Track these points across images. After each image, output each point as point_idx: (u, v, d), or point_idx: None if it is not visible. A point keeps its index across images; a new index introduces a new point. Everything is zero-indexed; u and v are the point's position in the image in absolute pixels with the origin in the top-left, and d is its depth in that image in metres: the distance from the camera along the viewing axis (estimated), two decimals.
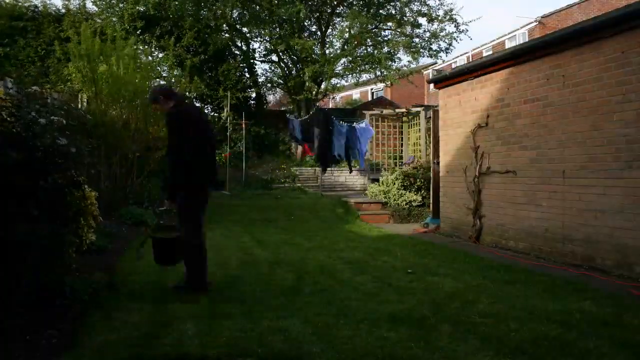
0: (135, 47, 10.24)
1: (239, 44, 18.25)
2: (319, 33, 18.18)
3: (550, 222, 6.43)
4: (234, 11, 16.63)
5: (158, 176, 11.32)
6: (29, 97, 3.90)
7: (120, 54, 9.07)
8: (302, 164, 16.62)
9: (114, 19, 14.80)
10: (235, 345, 3.26)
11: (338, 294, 4.54)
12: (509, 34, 27.20)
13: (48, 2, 15.20)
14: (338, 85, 17.79)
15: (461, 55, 29.73)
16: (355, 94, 34.71)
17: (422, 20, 17.38)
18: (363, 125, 12.84)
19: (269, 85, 19.74)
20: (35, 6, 15.07)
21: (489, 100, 7.61)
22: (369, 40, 16.90)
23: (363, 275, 5.36)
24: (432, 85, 14.13)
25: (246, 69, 18.12)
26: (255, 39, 18.52)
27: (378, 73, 17.53)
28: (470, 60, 24.47)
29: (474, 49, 28.90)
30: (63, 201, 3.95)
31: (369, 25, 16.60)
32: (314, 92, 17.18)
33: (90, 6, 15.53)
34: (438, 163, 9.28)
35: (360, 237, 8.27)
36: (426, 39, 16.94)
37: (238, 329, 3.54)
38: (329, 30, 18.32)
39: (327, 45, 17.29)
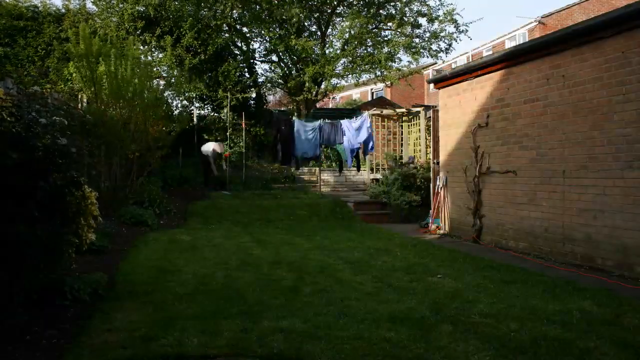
0: (135, 47, 10.22)
1: (239, 44, 18.23)
2: (319, 33, 18.15)
3: (550, 222, 6.43)
4: (234, 11, 16.60)
5: (158, 176, 11.34)
6: (29, 97, 3.90)
7: (119, 53, 9.07)
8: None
9: (114, 19, 14.78)
10: (235, 345, 3.26)
11: (338, 294, 4.54)
12: (509, 34, 27.18)
13: (48, 2, 15.18)
14: (338, 85, 17.76)
15: (461, 55, 29.71)
16: (355, 94, 34.68)
17: (422, 21, 17.37)
18: (350, 121, 12.71)
19: (269, 85, 19.71)
20: (35, 6, 15.06)
21: (489, 100, 7.61)
22: (369, 40, 16.87)
23: (363, 275, 5.36)
24: (432, 85, 14.12)
25: (246, 69, 18.09)
26: (255, 39, 18.51)
27: (378, 73, 17.51)
28: (471, 60, 24.46)
29: (474, 49, 28.88)
30: (63, 201, 3.95)
31: (369, 26, 16.58)
32: (313, 93, 17.16)
33: (90, 6, 15.53)
34: (438, 163, 9.28)
35: (360, 237, 8.26)
36: (426, 39, 16.91)
37: (238, 329, 3.54)
38: (329, 30, 18.30)
39: (327, 45, 17.27)
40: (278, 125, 13.17)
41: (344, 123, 12.63)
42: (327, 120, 13.03)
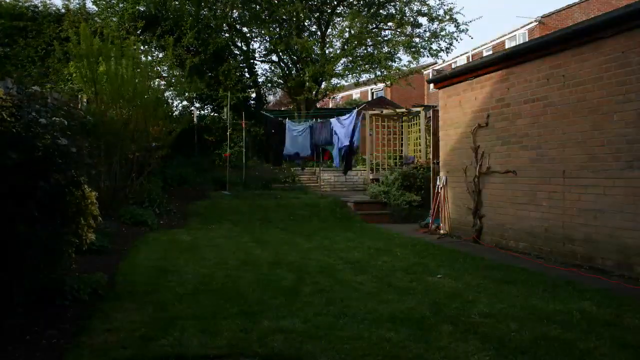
0: (135, 47, 10.21)
1: (239, 44, 18.24)
2: (319, 33, 18.16)
3: (550, 222, 6.42)
4: (234, 11, 16.62)
5: (158, 176, 11.33)
6: (29, 97, 3.89)
7: (119, 53, 9.07)
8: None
9: (114, 19, 14.78)
10: (235, 345, 3.26)
11: (338, 294, 4.54)
12: (509, 34, 27.17)
13: (48, 2, 15.18)
14: (338, 85, 17.78)
15: (461, 55, 29.70)
16: (356, 94, 34.70)
17: (423, 20, 17.37)
18: (340, 120, 12.63)
19: (269, 85, 19.74)
20: (35, 6, 15.05)
21: (489, 100, 7.60)
22: (369, 40, 16.88)
23: (363, 275, 5.36)
24: (432, 85, 14.12)
25: (246, 69, 18.10)
26: (255, 39, 18.53)
27: (378, 73, 17.52)
28: (471, 60, 24.46)
29: (474, 49, 28.87)
30: (63, 201, 3.94)
31: (369, 25, 16.58)
32: (314, 92, 17.17)
33: (90, 6, 15.53)
34: (438, 163, 9.28)
35: (360, 237, 8.26)
36: (426, 38, 16.92)
37: (238, 329, 3.54)
38: (329, 30, 18.31)
39: (327, 45, 17.27)
40: (270, 127, 13.35)
41: (334, 122, 12.64)
42: (318, 120, 13.09)
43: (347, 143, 12.24)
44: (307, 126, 12.96)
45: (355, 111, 12.53)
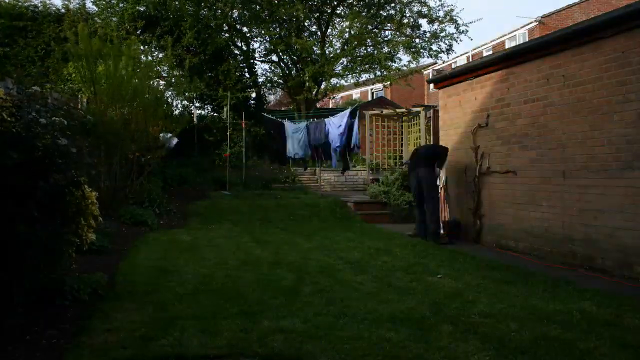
0: (135, 47, 10.21)
1: (239, 44, 18.25)
2: (319, 33, 18.16)
3: (550, 222, 6.42)
4: (234, 11, 16.62)
5: (158, 176, 11.33)
6: (29, 97, 3.89)
7: (118, 54, 9.06)
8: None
9: (114, 19, 14.79)
10: (235, 345, 3.26)
11: (338, 294, 4.54)
12: (509, 34, 27.19)
13: (48, 2, 15.17)
14: (338, 85, 17.78)
15: (461, 55, 29.71)
16: (356, 94, 34.70)
17: (423, 21, 17.38)
18: (334, 119, 12.60)
19: (269, 85, 19.74)
20: (35, 6, 15.04)
21: (489, 100, 7.60)
22: (369, 40, 16.88)
23: (363, 275, 5.36)
24: (432, 85, 14.12)
25: (246, 69, 18.11)
26: (255, 39, 18.53)
27: (378, 73, 17.52)
28: (471, 60, 24.46)
29: (474, 49, 28.88)
30: (63, 201, 3.95)
31: (369, 26, 16.59)
32: (313, 92, 17.18)
33: (90, 6, 15.53)
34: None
35: (360, 237, 8.26)
36: (426, 39, 16.92)
37: (238, 329, 3.54)
38: (329, 30, 18.31)
39: (327, 45, 17.27)
40: (271, 129, 13.43)
41: (328, 122, 12.65)
42: (313, 120, 13.14)
43: (339, 144, 12.23)
44: (304, 126, 13.01)
45: (348, 111, 12.49)
